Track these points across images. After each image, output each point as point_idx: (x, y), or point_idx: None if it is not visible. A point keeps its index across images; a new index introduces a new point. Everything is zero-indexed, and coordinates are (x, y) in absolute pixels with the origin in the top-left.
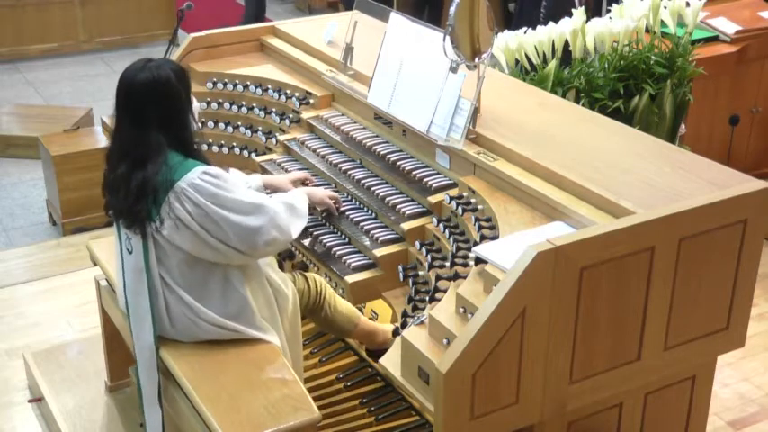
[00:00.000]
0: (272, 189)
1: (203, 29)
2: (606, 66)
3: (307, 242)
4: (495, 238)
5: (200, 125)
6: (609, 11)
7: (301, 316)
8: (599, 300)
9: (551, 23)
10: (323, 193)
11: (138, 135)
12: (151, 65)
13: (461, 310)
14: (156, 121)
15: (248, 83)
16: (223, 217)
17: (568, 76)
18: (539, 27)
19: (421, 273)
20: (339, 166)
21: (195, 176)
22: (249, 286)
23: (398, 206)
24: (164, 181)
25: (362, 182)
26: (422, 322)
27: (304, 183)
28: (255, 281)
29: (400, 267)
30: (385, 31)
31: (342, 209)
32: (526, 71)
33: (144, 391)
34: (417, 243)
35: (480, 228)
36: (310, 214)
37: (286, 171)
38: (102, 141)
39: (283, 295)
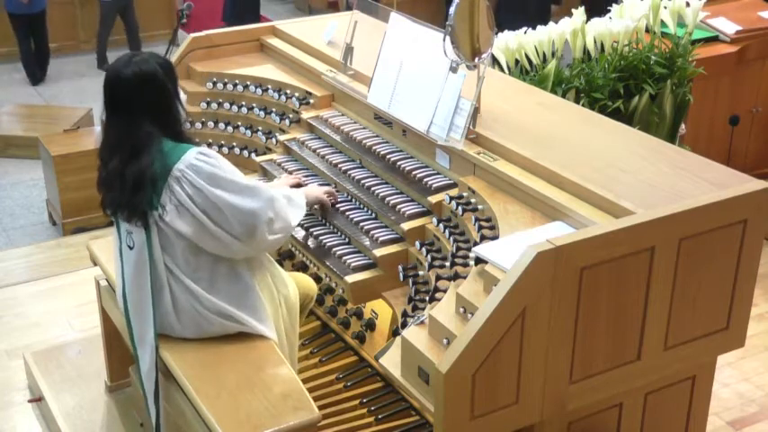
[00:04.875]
0: None
1: (203, 29)
2: (606, 66)
3: (307, 242)
4: (495, 238)
5: (189, 117)
6: (609, 11)
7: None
8: (599, 300)
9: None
10: (317, 192)
11: (127, 127)
12: (136, 59)
13: (461, 310)
14: (144, 111)
15: (248, 83)
16: (220, 197)
17: (568, 76)
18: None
19: (421, 273)
20: (339, 166)
21: (192, 157)
22: (255, 278)
23: (398, 206)
24: (161, 168)
25: (362, 182)
26: (422, 322)
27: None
28: (260, 274)
29: (400, 267)
30: (385, 31)
31: (340, 207)
32: (526, 71)
33: (147, 391)
34: (417, 243)
35: (480, 228)
36: (307, 213)
37: (286, 171)
38: None
39: (285, 294)
